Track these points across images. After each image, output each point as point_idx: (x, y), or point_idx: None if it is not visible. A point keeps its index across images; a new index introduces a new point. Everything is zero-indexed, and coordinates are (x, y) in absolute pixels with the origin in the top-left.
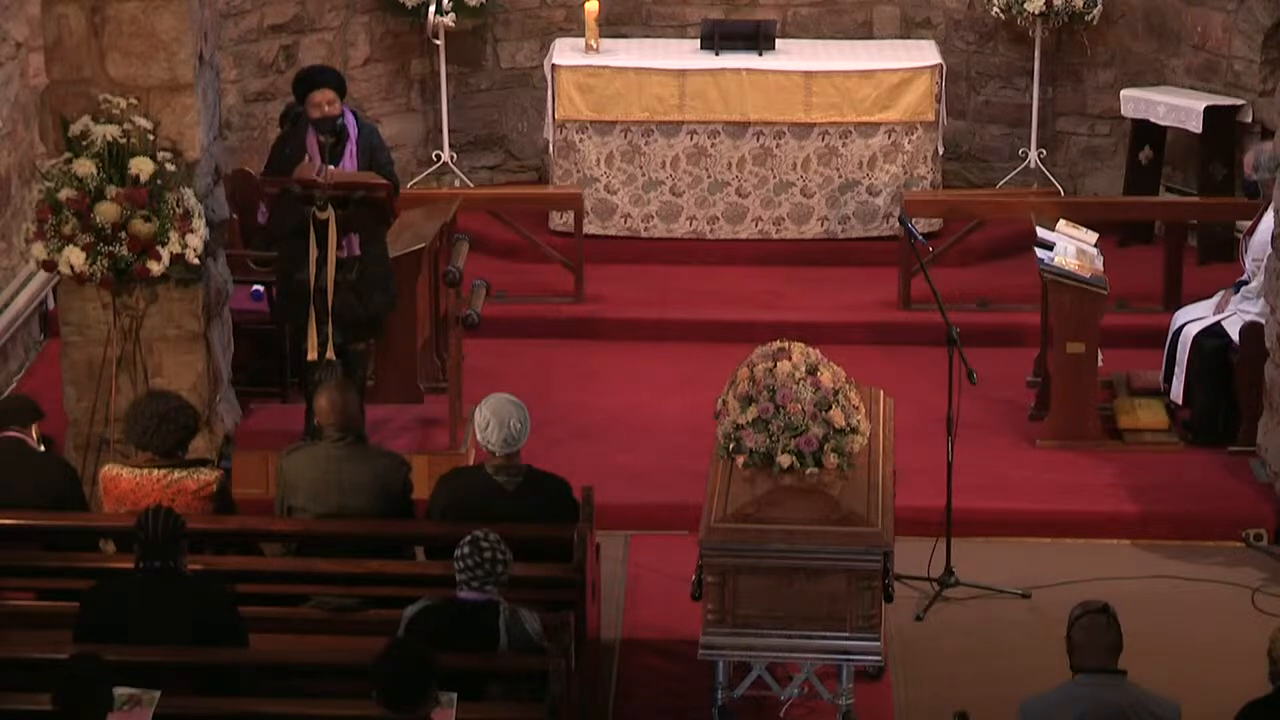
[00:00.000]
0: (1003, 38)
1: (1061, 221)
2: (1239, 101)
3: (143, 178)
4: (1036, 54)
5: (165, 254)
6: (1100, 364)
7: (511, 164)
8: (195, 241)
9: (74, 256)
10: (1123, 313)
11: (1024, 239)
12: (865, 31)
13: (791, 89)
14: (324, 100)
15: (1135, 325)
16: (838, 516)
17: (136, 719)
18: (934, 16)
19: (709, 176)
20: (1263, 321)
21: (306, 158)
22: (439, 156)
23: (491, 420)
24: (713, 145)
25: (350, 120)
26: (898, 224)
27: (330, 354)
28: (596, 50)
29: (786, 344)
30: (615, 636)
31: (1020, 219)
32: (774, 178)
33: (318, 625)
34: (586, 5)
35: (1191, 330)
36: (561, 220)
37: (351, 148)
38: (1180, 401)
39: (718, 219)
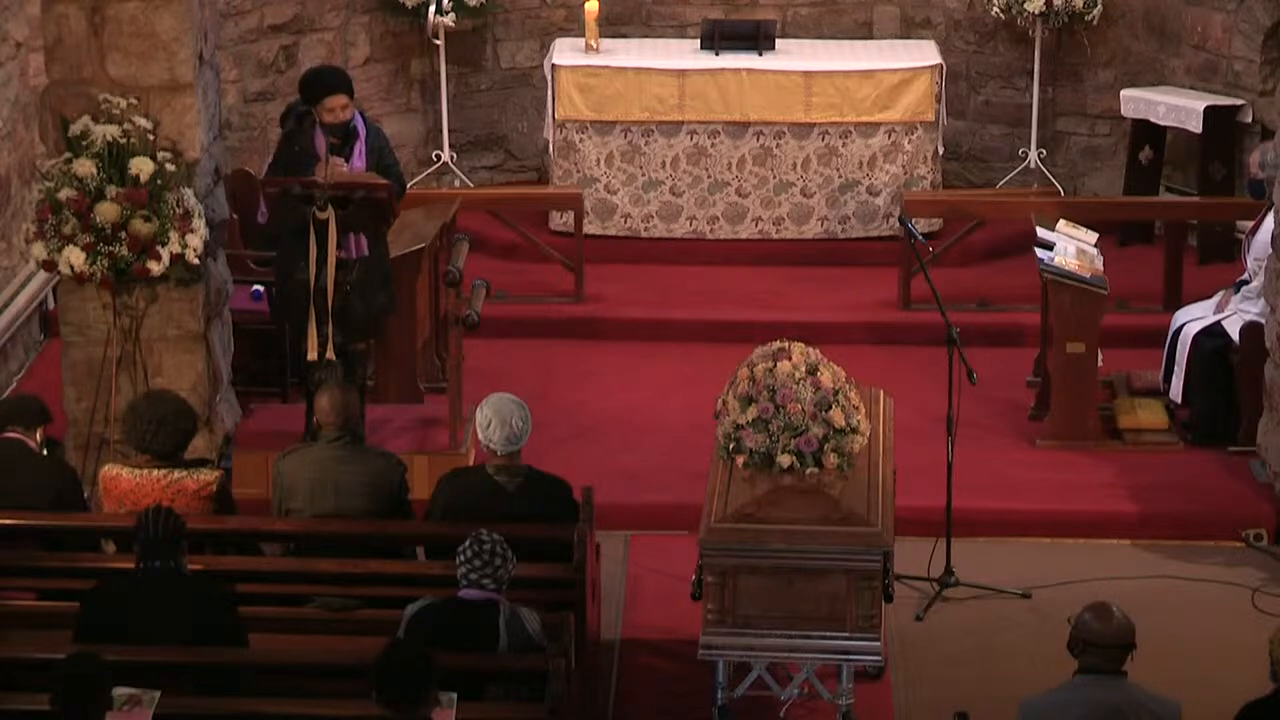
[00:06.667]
0: (1003, 38)
1: (1061, 221)
2: (1239, 101)
3: (143, 178)
4: (1036, 54)
5: (165, 254)
6: (1100, 364)
7: (511, 164)
8: (195, 241)
9: (74, 256)
10: (1123, 313)
11: (1024, 239)
12: (865, 31)
13: (791, 89)
14: (338, 105)
15: (1135, 325)
16: (838, 516)
17: (136, 719)
18: (934, 16)
19: (709, 176)
20: (1263, 321)
21: (323, 160)
22: (439, 156)
23: (493, 419)
24: (713, 145)
25: (359, 121)
26: (898, 224)
27: (330, 354)
28: (596, 50)
29: (786, 344)
30: (615, 636)
31: (1020, 219)
32: (774, 178)
33: (318, 625)
34: (586, 5)
35: (1191, 330)
36: (561, 220)
37: (361, 147)
38: (1180, 401)
39: (718, 219)
